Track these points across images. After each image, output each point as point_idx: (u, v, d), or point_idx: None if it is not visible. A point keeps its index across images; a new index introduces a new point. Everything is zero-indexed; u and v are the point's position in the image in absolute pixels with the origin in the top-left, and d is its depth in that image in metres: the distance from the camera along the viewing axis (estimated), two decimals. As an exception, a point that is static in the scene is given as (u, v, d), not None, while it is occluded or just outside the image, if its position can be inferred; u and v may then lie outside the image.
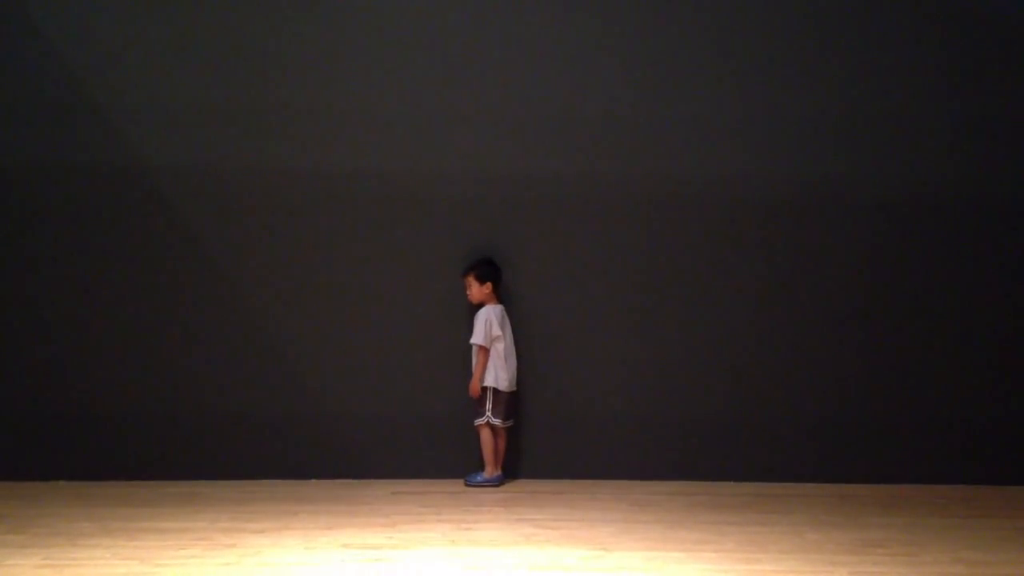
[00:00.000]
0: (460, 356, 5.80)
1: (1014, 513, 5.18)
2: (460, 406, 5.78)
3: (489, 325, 5.69)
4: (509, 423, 5.76)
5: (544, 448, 5.88)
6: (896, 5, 5.85)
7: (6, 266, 5.75)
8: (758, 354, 5.86)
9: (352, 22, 5.79)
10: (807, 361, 5.85)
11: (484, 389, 5.69)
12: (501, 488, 5.65)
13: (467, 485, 5.67)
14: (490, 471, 5.70)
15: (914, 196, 5.84)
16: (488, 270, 5.77)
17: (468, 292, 5.75)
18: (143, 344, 5.77)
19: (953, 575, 4.06)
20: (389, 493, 5.49)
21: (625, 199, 5.84)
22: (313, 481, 5.74)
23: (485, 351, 5.70)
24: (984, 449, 5.83)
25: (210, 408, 5.78)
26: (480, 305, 5.77)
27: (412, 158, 5.80)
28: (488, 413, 5.68)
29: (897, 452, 5.83)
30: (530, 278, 5.89)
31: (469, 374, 5.73)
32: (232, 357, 5.79)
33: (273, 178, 5.78)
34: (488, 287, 5.75)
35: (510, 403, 5.75)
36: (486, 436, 5.69)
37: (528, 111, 5.81)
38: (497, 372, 5.70)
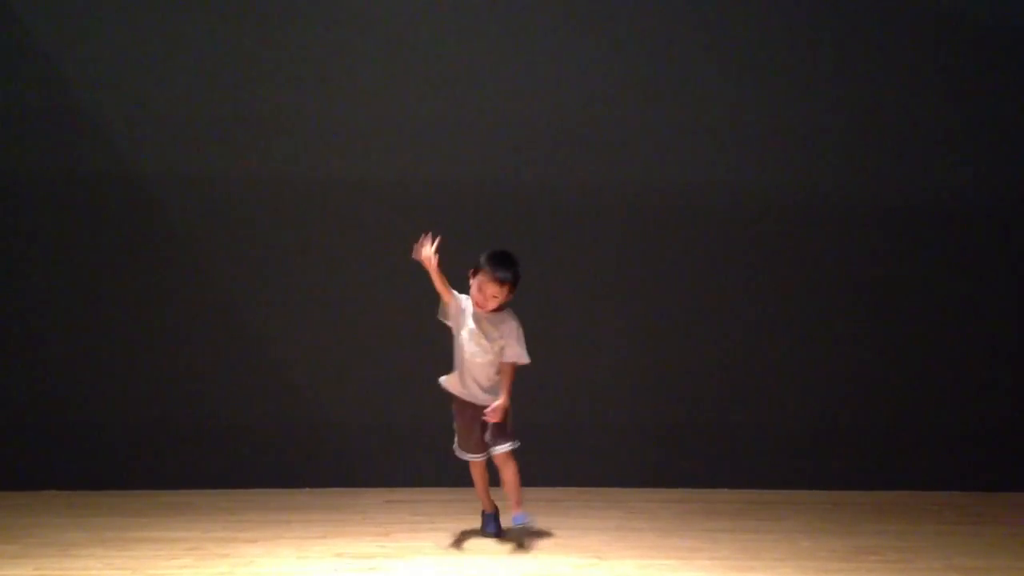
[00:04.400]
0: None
1: (1008, 520, 5.18)
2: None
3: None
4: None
5: (537, 456, 5.86)
6: (894, 10, 5.87)
7: (-2, 275, 5.76)
8: (752, 361, 5.86)
9: (346, 29, 5.80)
10: (801, 368, 5.86)
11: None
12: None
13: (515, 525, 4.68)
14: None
15: (908, 203, 5.86)
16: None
17: (489, 298, 4.74)
18: (135, 353, 5.75)
19: (947, 582, 4.08)
20: (382, 502, 5.48)
21: (619, 206, 5.84)
22: (306, 490, 5.73)
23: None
24: (978, 455, 5.84)
25: (202, 417, 5.77)
26: (491, 311, 4.84)
27: (408, 166, 5.81)
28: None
29: (891, 459, 5.84)
30: (524, 285, 5.87)
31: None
32: (225, 366, 5.78)
33: (268, 186, 5.77)
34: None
35: None
36: (514, 467, 4.72)
37: (527, 118, 5.81)
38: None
